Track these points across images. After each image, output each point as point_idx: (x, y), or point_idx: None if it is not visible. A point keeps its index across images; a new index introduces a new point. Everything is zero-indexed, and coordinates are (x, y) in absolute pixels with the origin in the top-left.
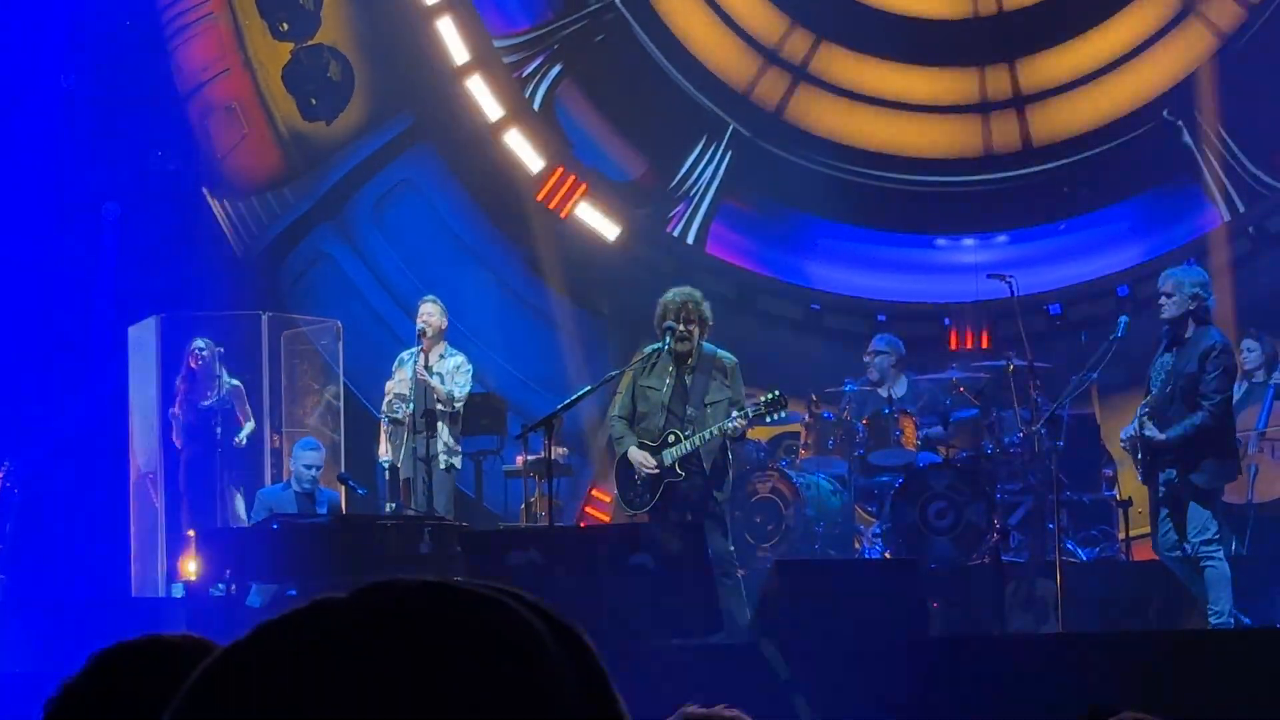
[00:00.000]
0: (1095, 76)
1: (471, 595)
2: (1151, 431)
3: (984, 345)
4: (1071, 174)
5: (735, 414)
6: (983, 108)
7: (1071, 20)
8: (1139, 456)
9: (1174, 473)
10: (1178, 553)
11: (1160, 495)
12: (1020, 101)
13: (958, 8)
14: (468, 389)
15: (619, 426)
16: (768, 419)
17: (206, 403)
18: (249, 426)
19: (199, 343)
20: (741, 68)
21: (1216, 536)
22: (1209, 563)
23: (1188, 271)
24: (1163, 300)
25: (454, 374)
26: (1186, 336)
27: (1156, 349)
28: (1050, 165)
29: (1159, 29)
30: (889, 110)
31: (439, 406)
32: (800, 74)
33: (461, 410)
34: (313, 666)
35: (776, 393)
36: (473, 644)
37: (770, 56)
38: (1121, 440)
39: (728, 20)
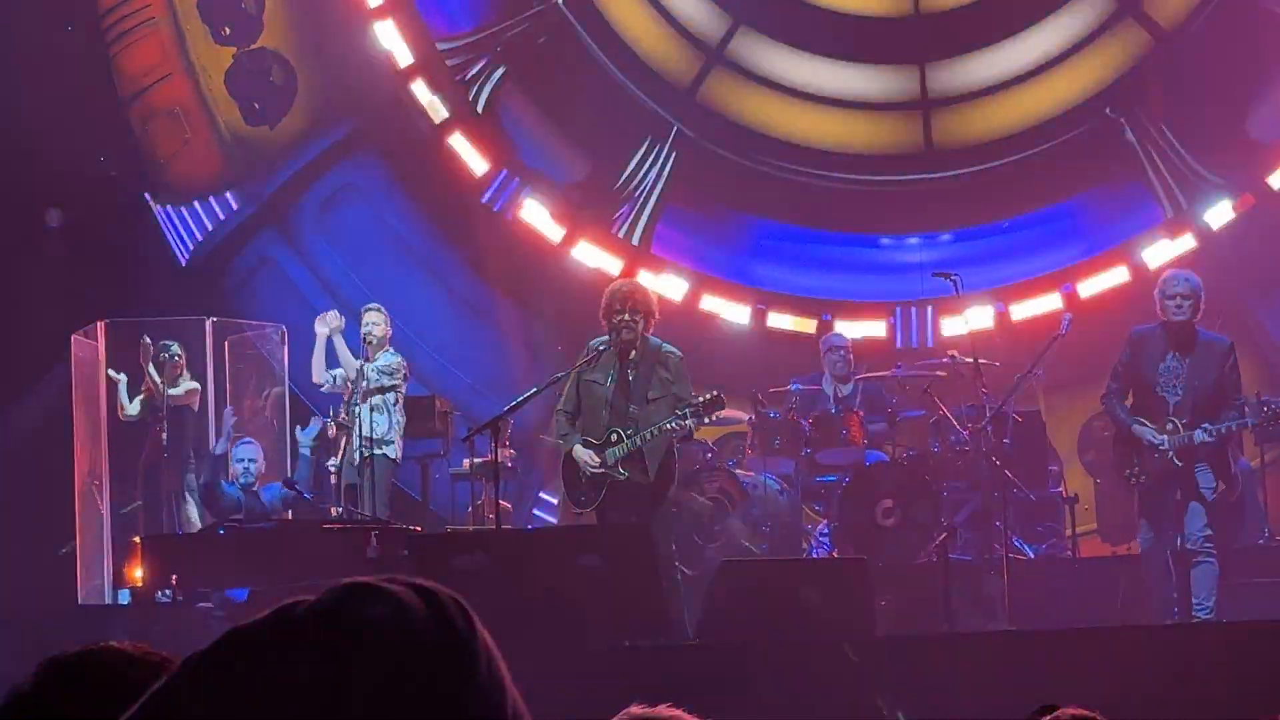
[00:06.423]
0: (1037, 74)
1: (358, 589)
2: (1202, 435)
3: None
4: (1014, 173)
5: (675, 415)
6: (923, 105)
7: (1013, 17)
8: (1149, 455)
9: (1209, 472)
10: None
11: (1179, 496)
12: (954, 101)
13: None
14: (399, 372)
15: (563, 423)
16: (706, 420)
17: (176, 403)
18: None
19: (174, 346)
20: (685, 66)
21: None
22: (1208, 560)
23: (1195, 277)
24: (1179, 302)
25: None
26: (1196, 341)
27: (1144, 351)
28: (992, 164)
29: (1100, 25)
30: (835, 109)
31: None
32: (746, 73)
33: (401, 397)
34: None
35: (715, 393)
36: (356, 631)
37: (715, 55)
38: (1158, 444)
39: (670, 19)
